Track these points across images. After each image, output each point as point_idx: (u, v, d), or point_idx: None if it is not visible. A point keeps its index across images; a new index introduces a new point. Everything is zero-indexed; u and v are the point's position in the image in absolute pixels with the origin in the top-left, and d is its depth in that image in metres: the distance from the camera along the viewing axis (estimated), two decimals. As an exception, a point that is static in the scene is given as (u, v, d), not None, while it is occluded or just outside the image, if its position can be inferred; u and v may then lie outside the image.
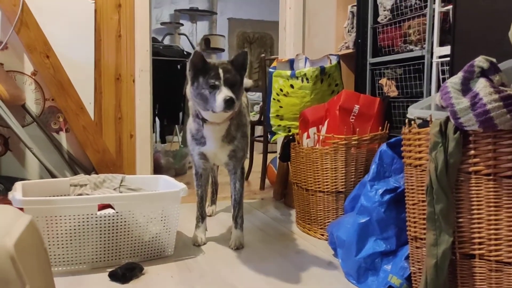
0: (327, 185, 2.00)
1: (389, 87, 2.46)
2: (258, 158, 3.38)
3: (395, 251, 1.50)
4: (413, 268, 1.29)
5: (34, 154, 2.36)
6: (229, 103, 1.60)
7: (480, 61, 1.08)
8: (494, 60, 1.09)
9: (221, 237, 2.04)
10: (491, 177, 1.05)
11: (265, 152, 3.21)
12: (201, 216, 1.98)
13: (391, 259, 1.50)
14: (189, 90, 1.74)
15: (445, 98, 1.10)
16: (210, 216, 2.38)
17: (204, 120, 1.76)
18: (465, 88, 1.09)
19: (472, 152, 1.08)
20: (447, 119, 1.13)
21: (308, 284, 1.53)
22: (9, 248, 0.62)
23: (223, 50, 7.34)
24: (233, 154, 1.85)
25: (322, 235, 2.02)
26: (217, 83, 1.63)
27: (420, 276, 1.19)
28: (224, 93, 1.61)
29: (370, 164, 1.69)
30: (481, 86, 1.05)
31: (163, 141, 4.76)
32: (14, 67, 2.57)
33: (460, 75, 1.10)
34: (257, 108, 5.09)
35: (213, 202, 2.50)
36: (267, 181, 3.17)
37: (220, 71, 1.65)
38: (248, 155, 3.63)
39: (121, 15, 2.73)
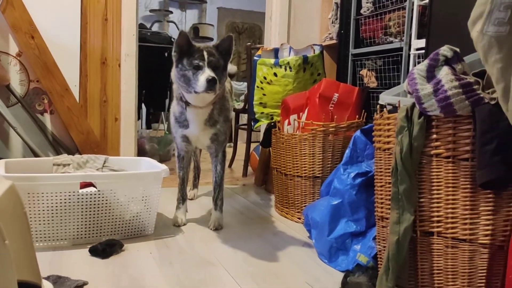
0: (305, 170, 2.07)
1: (369, 78, 2.53)
2: (242, 147, 3.43)
3: (364, 232, 1.58)
4: (379, 246, 1.36)
5: (18, 133, 2.38)
6: (211, 84, 1.63)
7: (445, 50, 1.15)
8: (457, 49, 1.16)
9: (201, 219, 2.10)
10: (450, 160, 1.13)
11: (249, 140, 3.26)
12: (182, 198, 2.03)
13: (360, 240, 1.57)
14: (173, 72, 1.77)
15: (411, 84, 1.16)
16: (191, 199, 2.44)
17: (187, 104, 1.79)
18: (430, 75, 1.15)
19: (434, 136, 1.15)
20: (413, 104, 1.19)
21: (283, 263, 1.60)
22: (-10, 205, 0.66)
23: (212, 39, 7.34)
24: (215, 137, 1.90)
25: (299, 218, 2.09)
26: (200, 63, 1.66)
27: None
28: (206, 73, 1.64)
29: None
30: (444, 73, 1.11)
31: (148, 127, 4.79)
32: (-1, 48, 2.58)
33: (426, 62, 1.17)
34: (242, 98, 5.13)
35: (195, 186, 2.55)
36: (249, 168, 3.23)
37: (205, 53, 1.68)
38: (232, 143, 3.69)
39: (108, -2, 2.74)
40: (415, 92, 1.14)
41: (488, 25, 0.89)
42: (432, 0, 1.85)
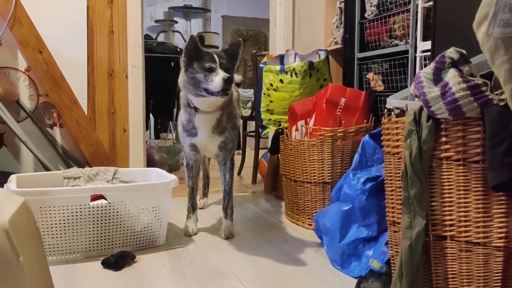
0: (314, 176, 2.06)
1: (376, 82, 2.52)
2: (250, 154, 3.44)
3: (376, 237, 1.56)
4: (391, 251, 1.35)
5: (29, 147, 2.40)
6: (227, 83, 1.64)
7: (451, 52, 1.14)
8: (464, 51, 1.15)
9: (212, 228, 2.10)
10: (460, 163, 1.11)
11: (257, 147, 3.27)
12: (192, 207, 2.03)
13: (372, 245, 1.56)
14: (181, 78, 1.77)
15: (418, 87, 1.15)
16: (202, 208, 2.44)
17: (196, 109, 1.79)
18: (437, 78, 1.14)
19: (444, 139, 1.14)
20: (421, 108, 1.18)
21: (295, 270, 1.59)
22: (4, 223, 0.67)
23: (217, 47, 7.37)
24: (223, 145, 1.90)
25: (310, 225, 2.08)
26: (213, 65, 1.67)
27: (397, 258, 1.25)
28: (221, 73, 1.65)
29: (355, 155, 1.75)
30: (450, 76, 1.10)
31: (157, 137, 4.81)
32: (7, 64, 2.61)
33: (432, 65, 1.16)
34: (249, 105, 5.15)
35: (205, 195, 2.55)
36: (258, 175, 3.23)
37: (215, 56, 1.71)
38: (240, 151, 3.69)
39: (114, 11, 2.77)
40: (422, 95, 1.13)
41: (494, 27, 0.89)
42: (436, 2, 1.85)
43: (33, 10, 2.58)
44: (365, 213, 1.58)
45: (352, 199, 1.60)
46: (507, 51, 0.88)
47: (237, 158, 3.12)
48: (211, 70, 1.67)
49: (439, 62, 1.15)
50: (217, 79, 1.64)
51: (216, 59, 1.69)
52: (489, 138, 1.04)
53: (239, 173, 3.60)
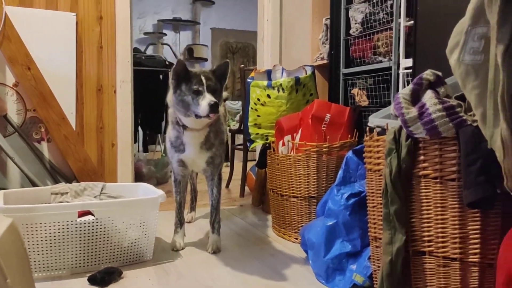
0: (300, 190, 2.09)
1: (361, 97, 2.58)
2: (238, 166, 3.46)
3: (360, 251, 1.59)
4: (373, 266, 1.38)
5: (16, 163, 2.40)
6: (213, 108, 1.69)
7: (428, 74, 1.19)
8: (440, 73, 1.20)
9: (199, 242, 2.11)
10: (438, 180, 1.16)
11: (245, 160, 3.29)
12: (180, 222, 2.04)
13: (356, 259, 1.59)
14: (170, 97, 1.82)
15: (397, 108, 1.20)
16: (189, 222, 2.45)
17: (184, 127, 1.83)
18: (415, 99, 1.19)
19: (422, 157, 1.19)
20: (401, 127, 1.23)
21: (281, 285, 1.61)
22: (-9, 246, 0.68)
23: (206, 59, 7.43)
24: (211, 160, 1.93)
25: (296, 238, 2.10)
26: (200, 88, 1.72)
27: (379, 273, 1.28)
28: (208, 98, 1.70)
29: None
30: (427, 97, 1.15)
31: (145, 150, 4.81)
32: (-4, 79, 2.62)
33: (410, 86, 1.21)
34: (238, 118, 5.18)
35: (193, 209, 2.57)
36: (246, 188, 3.25)
37: (203, 78, 1.74)
38: (229, 163, 3.71)
39: (102, 27, 2.80)
40: (401, 116, 1.18)
41: (464, 54, 0.94)
42: (416, 21, 1.91)
43: (23, 27, 2.60)
44: (349, 228, 1.61)
45: (336, 214, 1.63)
46: (477, 77, 0.93)
47: (226, 171, 3.15)
48: (198, 93, 1.72)
49: (416, 84, 1.19)
50: (204, 103, 1.69)
51: (204, 81, 1.73)
52: (463, 157, 1.08)
53: (227, 186, 3.62)
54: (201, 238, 2.19)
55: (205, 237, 2.16)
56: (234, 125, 4.24)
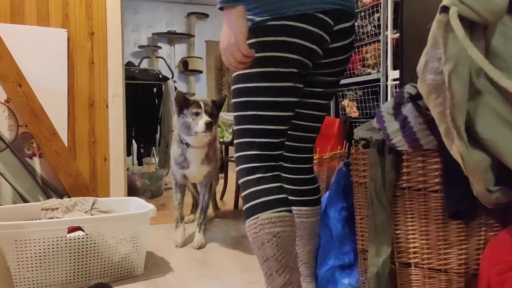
0: (291, 202, 2.10)
1: (351, 108, 2.60)
2: (232, 178, 3.45)
3: (352, 264, 1.59)
4: (362, 278, 1.39)
5: (7, 179, 2.40)
6: (208, 126, 2.07)
7: (409, 88, 1.21)
8: (421, 87, 1.22)
9: (191, 258, 2.11)
10: (421, 192, 1.17)
11: (238, 172, 3.29)
12: (180, 217, 2.31)
13: (349, 272, 1.59)
14: (175, 121, 2.22)
15: (379, 121, 1.21)
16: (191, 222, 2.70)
17: (188, 145, 2.21)
18: (397, 112, 1.21)
19: (405, 169, 1.20)
20: (384, 140, 1.24)
21: (270, 298, 1.61)
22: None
23: (201, 72, 7.48)
24: (208, 174, 2.32)
25: (288, 251, 2.10)
26: (199, 111, 2.11)
27: (367, 285, 1.28)
28: (205, 118, 2.09)
29: (330, 180, 1.80)
30: (409, 110, 1.17)
31: (140, 163, 4.81)
32: (-13, 95, 2.62)
33: (392, 100, 1.22)
34: (231, 129, 5.19)
35: (193, 212, 2.84)
36: (240, 200, 3.25)
37: (201, 103, 2.14)
38: (223, 174, 3.71)
39: (94, 42, 2.82)
40: (383, 129, 1.19)
41: (426, 74, 0.98)
42: (402, 34, 1.94)
43: (15, 43, 2.61)
44: (342, 241, 1.61)
45: (329, 228, 1.64)
46: (439, 95, 0.96)
47: (220, 182, 3.16)
48: (197, 114, 2.11)
49: (398, 97, 1.21)
50: (201, 122, 2.08)
51: (202, 105, 2.12)
52: (444, 169, 1.09)
53: (221, 198, 3.61)
54: (192, 253, 2.18)
55: (198, 254, 2.16)
56: (227, 137, 4.25)
